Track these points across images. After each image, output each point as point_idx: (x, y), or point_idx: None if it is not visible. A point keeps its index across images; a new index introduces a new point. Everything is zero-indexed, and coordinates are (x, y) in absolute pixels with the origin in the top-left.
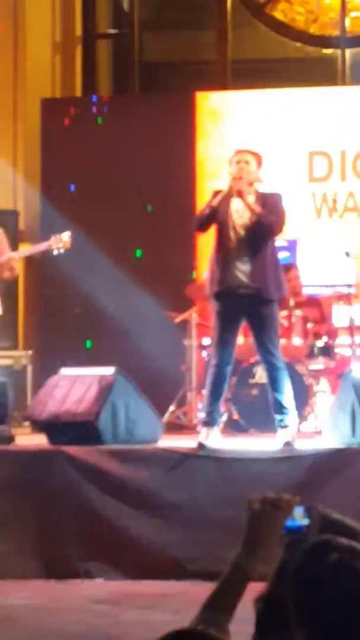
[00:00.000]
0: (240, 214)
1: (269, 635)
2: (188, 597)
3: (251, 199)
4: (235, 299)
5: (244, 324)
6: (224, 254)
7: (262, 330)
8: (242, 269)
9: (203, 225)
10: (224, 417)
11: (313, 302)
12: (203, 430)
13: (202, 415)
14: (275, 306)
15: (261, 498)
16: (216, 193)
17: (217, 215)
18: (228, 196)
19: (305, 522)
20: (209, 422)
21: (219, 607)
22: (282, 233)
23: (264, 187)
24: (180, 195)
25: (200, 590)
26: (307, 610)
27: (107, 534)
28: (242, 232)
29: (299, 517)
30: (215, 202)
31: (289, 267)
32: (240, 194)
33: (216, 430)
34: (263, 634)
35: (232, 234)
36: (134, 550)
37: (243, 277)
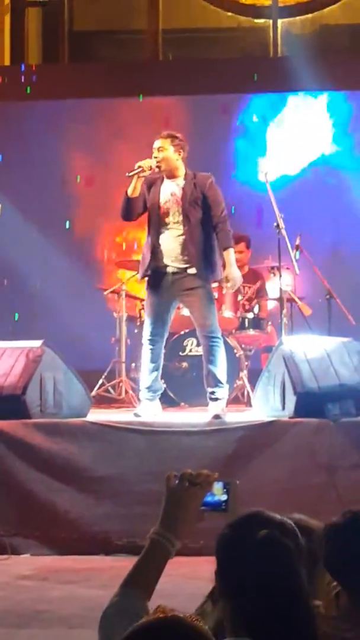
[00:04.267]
0: (173, 198)
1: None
2: (116, 572)
3: (179, 182)
4: (167, 285)
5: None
6: (156, 238)
7: (197, 308)
8: (176, 255)
9: (128, 215)
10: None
11: (254, 274)
12: (145, 404)
13: (143, 391)
14: (209, 286)
15: (179, 474)
16: (138, 167)
17: (147, 200)
18: (138, 181)
19: (224, 497)
20: (149, 397)
21: (137, 584)
22: None
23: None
24: (109, 166)
25: (128, 565)
26: (233, 583)
27: (34, 509)
28: (173, 217)
29: (218, 493)
30: (130, 191)
31: (238, 239)
32: None
33: (157, 403)
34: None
35: (163, 218)
36: (61, 525)
37: (176, 264)
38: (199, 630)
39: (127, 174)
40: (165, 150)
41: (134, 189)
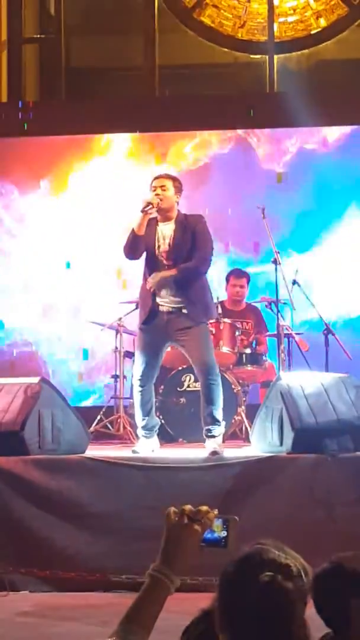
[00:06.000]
0: (165, 240)
1: None
2: (115, 608)
3: (171, 225)
4: (161, 325)
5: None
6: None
7: (194, 347)
8: (169, 295)
9: (133, 254)
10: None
11: (251, 309)
12: (142, 441)
13: (139, 429)
14: (204, 325)
15: (178, 510)
16: (148, 204)
17: (143, 241)
18: (146, 219)
19: (223, 534)
20: (146, 435)
21: (137, 621)
22: None
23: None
24: (111, 202)
25: (128, 602)
26: (233, 621)
27: (33, 546)
28: (166, 259)
29: (217, 529)
30: (137, 228)
31: (237, 274)
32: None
33: (154, 440)
34: None
35: (157, 259)
36: (59, 562)
37: (169, 304)
38: None
39: (140, 211)
40: (168, 190)
41: (141, 226)
